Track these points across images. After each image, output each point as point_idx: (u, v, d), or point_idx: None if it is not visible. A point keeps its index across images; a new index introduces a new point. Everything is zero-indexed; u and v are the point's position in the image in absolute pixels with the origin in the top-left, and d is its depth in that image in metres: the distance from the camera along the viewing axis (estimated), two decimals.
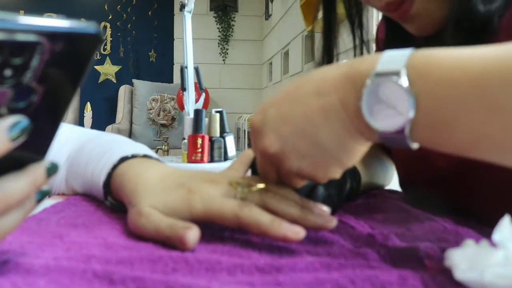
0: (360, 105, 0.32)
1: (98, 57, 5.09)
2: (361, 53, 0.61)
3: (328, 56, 0.61)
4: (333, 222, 0.38)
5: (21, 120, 0.26)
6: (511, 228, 0.30)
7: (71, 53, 0.26)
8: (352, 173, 0.54)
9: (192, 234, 0.35)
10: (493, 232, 0.29)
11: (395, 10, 0.49)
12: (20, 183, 0.28)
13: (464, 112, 0.28)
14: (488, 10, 0.44)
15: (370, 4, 0.52)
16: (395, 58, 0.31)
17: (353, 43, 0.61)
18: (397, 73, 0.30)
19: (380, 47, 0.68)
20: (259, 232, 0.36)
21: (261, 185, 0.40)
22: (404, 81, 0.30)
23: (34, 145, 0.28)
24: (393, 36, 0.62)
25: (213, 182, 0.41)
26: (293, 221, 0.37)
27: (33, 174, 0.28)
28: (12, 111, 0.26)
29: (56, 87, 0.27)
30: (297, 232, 0.35)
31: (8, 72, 0.24)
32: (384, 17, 0.64)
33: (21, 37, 0.24)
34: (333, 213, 0.46)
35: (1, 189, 0.27)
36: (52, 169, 0.29)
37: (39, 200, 0.30)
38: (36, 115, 0.27)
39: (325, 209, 0.39)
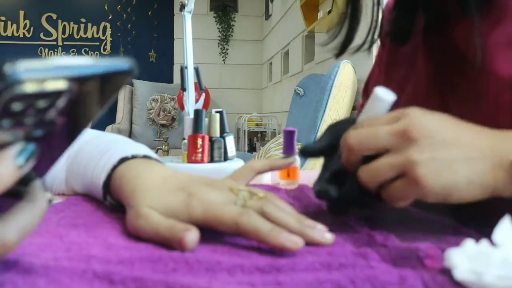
0: None
1: (98, 57, 5.09)
2: (378, 4, 0.61)
3: (354, 4, 0.60)
4: (330, 238, 0.38)
5: (27, 145, 0.25)
6: (511, 228, 0.30)
7: (100, 90, 0.24)
8: None
9: (192, 236, 0.35)
10: (493, 232, 0.29)
11: None
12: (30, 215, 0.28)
13: None
14: None
15: None
16: None
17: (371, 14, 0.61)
18: None
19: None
20: (257, 240, 0.36)
21: (262, 194, 0.40)
22: None
23: (40, 166, 0.27)
24: (401, 11, 0.62)
25: (214, 187, 0.41)
26: (291, 232, 0.37)
27: (41, 208, 0.29)
28: (29, 138, 0.25)
29: (78, 118, 0.26)
30: (296, 242, 0.35)
31: (30, 112, 0.22)
32: None
33: (51, 85, 0.21)
34: (342, 211, 0.45)
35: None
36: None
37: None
38: (51, 141, 0.26)
39: (323, 228, 0.39)
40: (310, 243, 0.37)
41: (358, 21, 0.60)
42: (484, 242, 0.30)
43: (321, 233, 0.38)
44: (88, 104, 0.25)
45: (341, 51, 0.62)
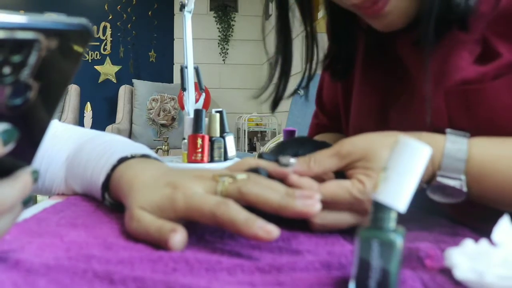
0: (425, 187, 0.44)
1: (98, 57, 5.09)
2: (313, 43, 0.61)
3: (284, 54, 0.62)
4: (315, 206, 0.36)
5: (7, 126, 0.27)
6: (511, 228, 0.30)
7: (64, 49, 0.26)
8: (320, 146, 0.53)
9: (177, 237, 0.35)
10: (492, 232, 0.29)
11: (368, 7, 0.49)
12: (13, 190, 0.29)
13: (503, 202, 0.44)
14: (467, 5, 0.45)
15: (338, 1, 0.51)
16: (455, 163, 0.43)
17: (305, 33, 0.62)
18: (458, 179, 0.43)
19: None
20: (234, 231, 0.35)
21: (242, 176, 0.39)
22: (463, 187, 0.43)
23: (28, 141, 0.29)
24: (339, 30, 0.63)
25: (199, 178, 0.40)
26: (274, 210, 0.36)
27: (23, 181, 0.29)
28: (10, 108, 0.26)
29: (50, 83, 0.27)
30: (269, 232, 0.34)
31: (7, 70, 0.25)
32: (329, 12, 0.65)
33: (20, 35, 0.24)
34: None
35: None
36: (35, 176, 0.31)
37: (25, 204, 0.31)
38: (31, 112, 0.28)
39: (313, 194, 0.37)
40: (297, 216, 0.36)
41: (289, 72, 0.61)
42: (483, 242, 0.30)
43: (305, 203, 0.36)
44: (56, 69, 0.27)
45: (274, 105, 0.63)
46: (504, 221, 0.30)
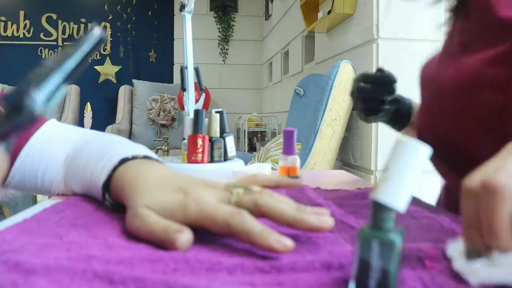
0: None
1: (98, 57, 5.10)
2: None
3: None
4: (329, 222, 0.37)
5: None
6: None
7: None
8: None
9: (185, 238, 0.35)
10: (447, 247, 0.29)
11: None
12: None
13: None
14: None
15: None
16: None
17: None
18: None
19: None
20: (248, 241, 0.35)
21: (257, 188, 0.40)
22: None
23: None
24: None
25: (212, 187, 0.40)
26: (288, 223, 0.37)
27: None
28: None
29: None
30: (285, 245, 0.34)
31: None
32: None
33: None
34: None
35: None
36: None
37: None
38: None
39: (324, 211, 0.39)
40: (309, 230, 0.37)
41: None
42: None
43: (319, 218, 0.37)
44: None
45: None
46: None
